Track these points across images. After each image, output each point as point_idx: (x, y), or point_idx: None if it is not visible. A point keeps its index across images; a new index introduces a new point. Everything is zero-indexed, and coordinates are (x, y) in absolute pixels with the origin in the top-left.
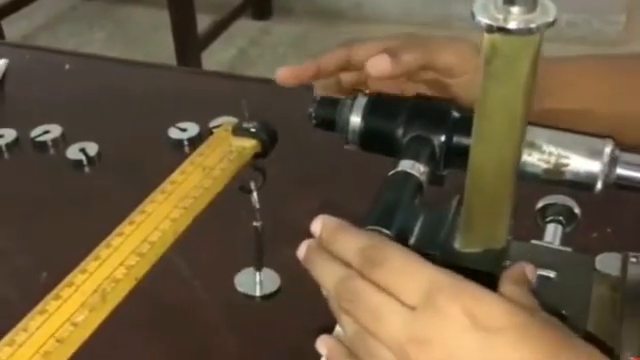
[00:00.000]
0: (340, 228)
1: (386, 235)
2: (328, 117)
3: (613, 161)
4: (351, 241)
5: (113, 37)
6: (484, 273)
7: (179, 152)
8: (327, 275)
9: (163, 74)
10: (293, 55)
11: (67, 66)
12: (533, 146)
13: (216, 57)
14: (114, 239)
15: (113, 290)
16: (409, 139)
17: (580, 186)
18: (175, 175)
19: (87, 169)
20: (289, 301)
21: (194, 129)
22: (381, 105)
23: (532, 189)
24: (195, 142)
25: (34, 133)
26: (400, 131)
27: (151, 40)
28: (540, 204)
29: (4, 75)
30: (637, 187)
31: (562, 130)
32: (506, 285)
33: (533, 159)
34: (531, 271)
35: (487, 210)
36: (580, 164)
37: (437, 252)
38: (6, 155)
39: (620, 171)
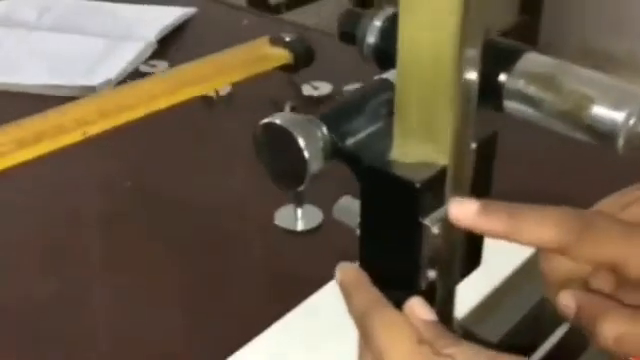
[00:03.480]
0: (350, 288)
1: None
2: (349, 31)
3: None
4: (350, 305)
5: None
6: None
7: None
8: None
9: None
10: None
11: (245, 21)
12: (552, 82)
13: None
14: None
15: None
16: None
17: (599, 137)
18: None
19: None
20: (331, 238)
21: (326, 88)
22: None
23: None
24: (324, 100)
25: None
26: None
27: None
28: None
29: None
30: None
31: (592, 70)
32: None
33: (550, 97)
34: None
35: (420, 110)
36: (603, 109)
37: (369, 160)
38: None
39: None
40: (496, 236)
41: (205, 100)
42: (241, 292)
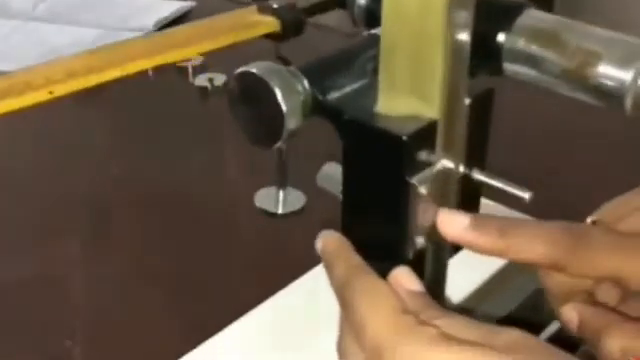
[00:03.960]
0: (331, 256)
1: None
2: None
3: None
4: (331, 274)
5: None
6: None
7: None
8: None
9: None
10: None
11: None
12: (556, 39)
13: None
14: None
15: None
16: None
17: (605, 98)
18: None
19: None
20: (313, 221)
21: None
22: None
23: None
24: None
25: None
26: None
27: None
28: None
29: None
30: None
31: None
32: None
33: (552, 55)
34: (406, 276)
35: (407, 60)
36: (610, 67)
37: (352, 113)
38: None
39: None
40: (486, 253)
41: (180, 70)
42: (222, 275)
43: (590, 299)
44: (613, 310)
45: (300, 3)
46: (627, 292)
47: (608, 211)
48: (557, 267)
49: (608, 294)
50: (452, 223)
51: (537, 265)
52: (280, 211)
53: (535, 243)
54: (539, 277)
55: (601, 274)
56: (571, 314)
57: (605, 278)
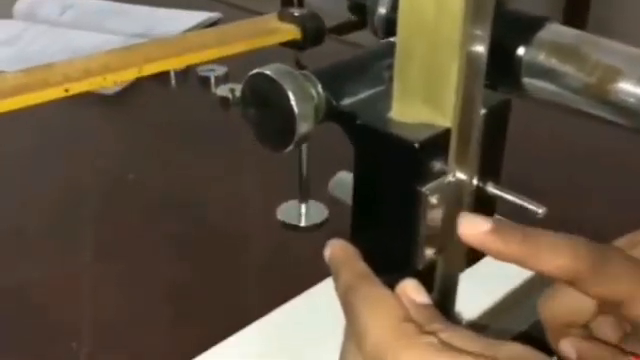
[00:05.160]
0: (337, 263)
1: None
2: (359, 1)
3: None
4: (337, 282)
5: None
6: None
7: None
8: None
9: None
10: None
11: None
12: (577, 54)
13: None
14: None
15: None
16: None
17: (625, 115)
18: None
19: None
20: (336, 233)
21: None
22: None
23: None
24: None
25: (201, 69)
26: None
27: None
28: None
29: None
30: None
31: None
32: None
33: (573, 70)
34: (414, 288)
35: (422, 68)
36: (631, 84)
37: (366, 118)
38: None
39: None
40: (507, 259)
41: (203, 80)
42: (239, 287)
43: (587, 332)
44: (609, 345)
45: (326, 23)
46: (626, 325)
47: (624, 240)
48: (574, 282)
49: (607, 330)
50: (474, 226)
51: (553, 277)
52: (302, 224)
53: (558, 254)
54: (537, 307)
55: (612, 296)
56: (569, 348)
57: (613, 301)
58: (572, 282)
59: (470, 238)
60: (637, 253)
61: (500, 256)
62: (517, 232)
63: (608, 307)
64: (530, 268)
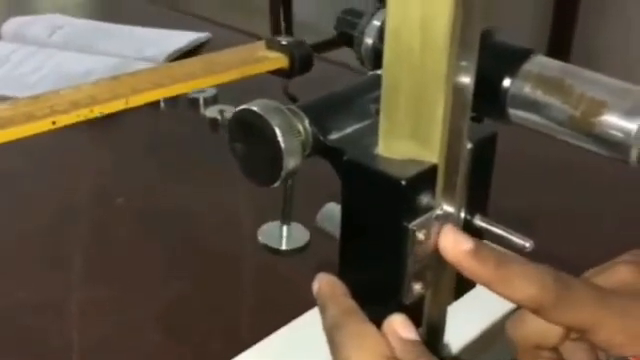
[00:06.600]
0: (325, 299)
1: None
2: (347, 31)
3: None
4: (324, 317)
5: None
6: None
7: None
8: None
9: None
10: None
11: None
12: (562, 86)
13: None
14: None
15: None
16: None
17: (610, 148)
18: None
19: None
20: (318, 258)
21: None
22: None
23: None
24: None
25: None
26: None
27: None
28: None
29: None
30: None
31: (604, 75)
32: None
33: (558, 102)
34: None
35: (408, 104)
36: (616, 117)
37: (353, 154)
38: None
39: None
40: (478, 281)
41: (192, 102)
42: (222, 309)
43: (558, 356)
44: None
45: (308, 40)
46: (600, 351)
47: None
48: (539, 311)
49: (582, 356)
50: (455, 243)
51: (519, 305)
52: (284, 247)
53: (527, 284)
54: (506, 329)
55: (575, 323)
56: None
57: (577, 328)
58: (536, 311)
59: (449, 253)
60: (601, 280)
61: (473, 277)
62: (493, 257)
63: (576, 333)
64: (499, 293)
